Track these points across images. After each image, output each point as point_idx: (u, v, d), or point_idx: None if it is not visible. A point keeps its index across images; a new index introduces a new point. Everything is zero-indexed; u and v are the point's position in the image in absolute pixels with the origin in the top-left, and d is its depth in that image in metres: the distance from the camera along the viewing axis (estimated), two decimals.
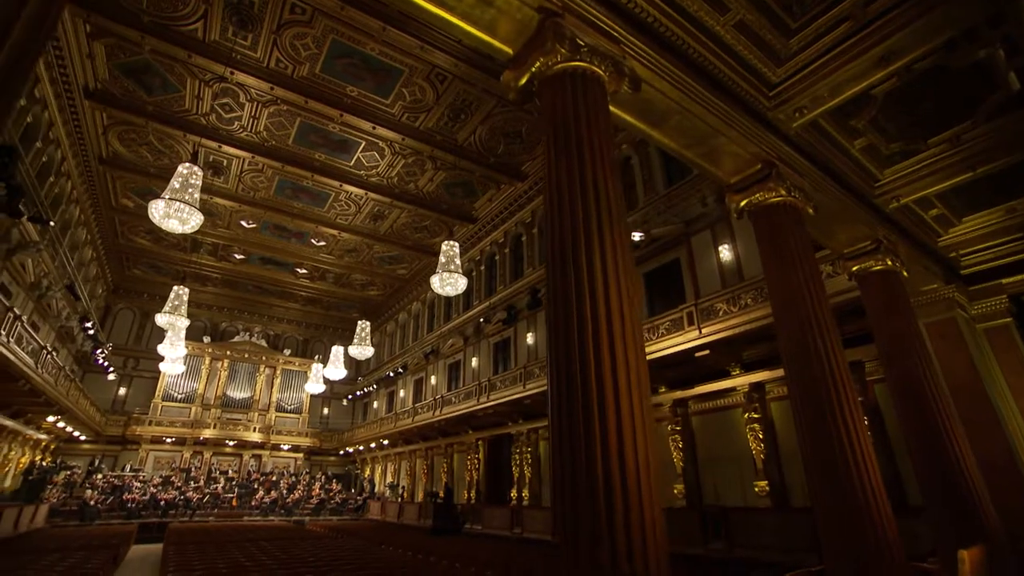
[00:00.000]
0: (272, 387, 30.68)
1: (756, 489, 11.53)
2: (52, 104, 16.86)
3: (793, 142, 5.23)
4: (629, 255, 2.49)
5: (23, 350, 13.55)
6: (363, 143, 20.45)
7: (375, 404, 32.44)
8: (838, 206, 5.56)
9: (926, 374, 5.36)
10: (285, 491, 24.93)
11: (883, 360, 5.86)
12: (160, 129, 19.16)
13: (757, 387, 12.18)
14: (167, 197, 12.35)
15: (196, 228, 12.94)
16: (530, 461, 18.46)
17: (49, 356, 15.44)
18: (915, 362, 5.44)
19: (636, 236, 14.35)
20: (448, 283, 16.44)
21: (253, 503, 23.88)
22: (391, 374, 28.90)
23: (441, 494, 20.55)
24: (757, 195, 5.07)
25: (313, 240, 27.15)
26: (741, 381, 12.40)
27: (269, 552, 12.02)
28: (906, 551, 5.99)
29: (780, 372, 11.63)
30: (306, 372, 29.73)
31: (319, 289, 32.56)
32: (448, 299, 28.53)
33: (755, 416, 11.98)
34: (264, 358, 31.01)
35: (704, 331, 11.66)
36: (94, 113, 18.52)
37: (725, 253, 13.69)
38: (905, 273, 6.45)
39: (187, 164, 12.93)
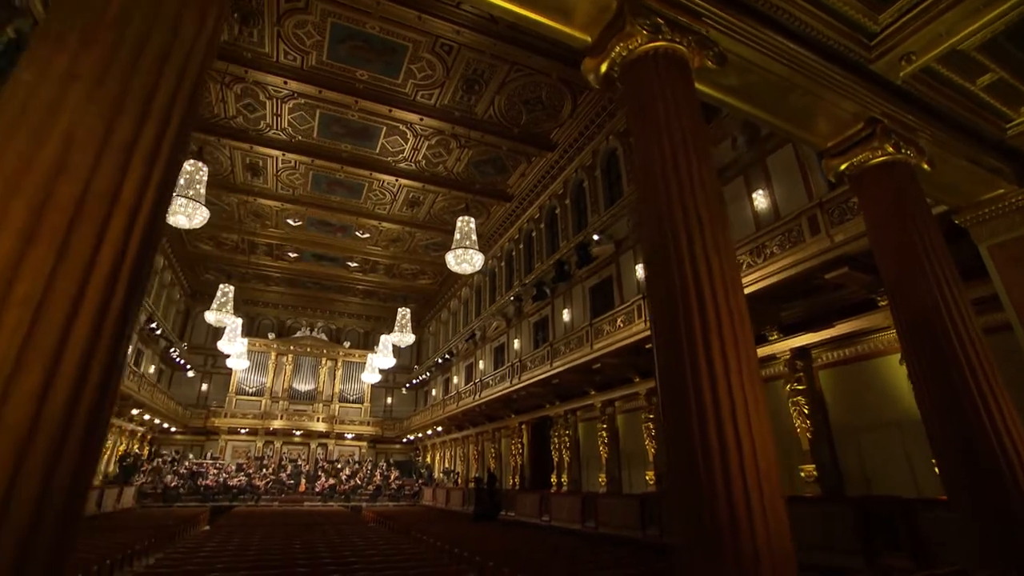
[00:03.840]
0: (335, 379, 32.13)
1: (802, 474, 9.69)
2: None
3: None
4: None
5: None
6: (383, 128, 20.24)
7: (433, 391, 32.83)
8: (790, 72, 3.78)
9: (949, 308, 3.55)
10: (345, 478, 25.97)
11: (888, 291, 4.10)
12: (197, 137, 20.13)
13: (800, 353, 10.22)
14: (174, 194, 12.75)
15: (203, 223, 13.30)
16: (568, 445, 17.40)
17: None
18: (931, 292, 3.66)
19: None
20: (463, 260, 15.79)
21: (316, 489, 25.13)
22: (440, 360, 29.01)
23: (485, 480, 20.11)
24: (617, 49, 3.47)
25: (357, 232, 27.71)
26: (781, 347, 10.48)
27: (285, 536, 12.19)
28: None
29: (827, 334, 9.72)
30: (365, 363, 30.67)
31: (373, 281, 33.43)
32: (493, 282, 27.99)
33: (799, 388, 10.07)
34: (325, 351, 32.52)
35: None
36: None
37: (760, 200, 11.71)
38: (925, 166, 4.51)
39: (192, 161, 13.30)
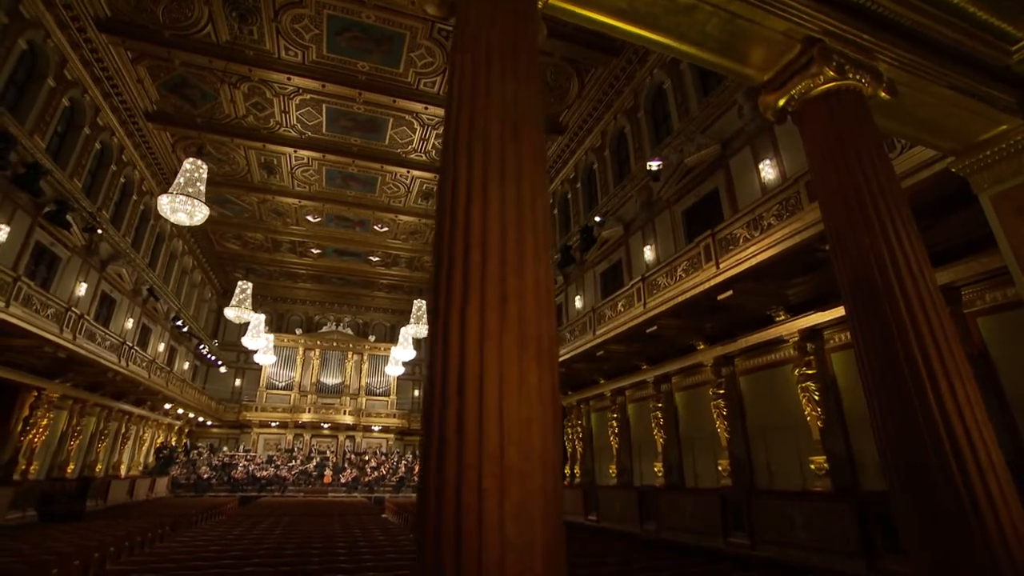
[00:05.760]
0: (361, 372, 32.65)
1: (812, 466, 8.86)
2: (119, 131, 18.94)
3: None
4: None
5: (100, 345, 15.40)
6: (390, 119, 20.14)
7: None
8: None
9: (897, 264, 2.93)
10: (370, 469, 26.36)
11: (831, 245, 3.35)
12: (212, 138, 20.66)
13: (811, 335, 9.34)
14: (174, 192, 13.01)
15: (203, 220, 13.50)
16: (581, 435, 16.88)
17: (133, 350, 17.49)
18: (877, 244, 2.99)
19: (654, 165, 11.93)
20: None
21: (341, 480, 25.65)
22: None
23: None
24: None
25: (376, 226, 27.87)
26: (788, 329, 9.61)
27: (288, 526, 12.36)
28: None
29: (838, 312, 8.85)
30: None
31: (396, 275, 33.69)
32: None
33: (809, 372, 9.20)
34: (351, 345, 33.08)
35: (723, 265, 9.18)
36: (159, 134, 20.55)
37: (767, 171, 10.80)
38: (883, 94, 3.77)
39: (191, 159, 13.52)
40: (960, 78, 4.10)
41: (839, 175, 3.29)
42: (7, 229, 13.86)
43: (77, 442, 18.06)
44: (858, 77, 3.54)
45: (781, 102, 3.85)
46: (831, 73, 3.46)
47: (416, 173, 23.45)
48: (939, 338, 2.72)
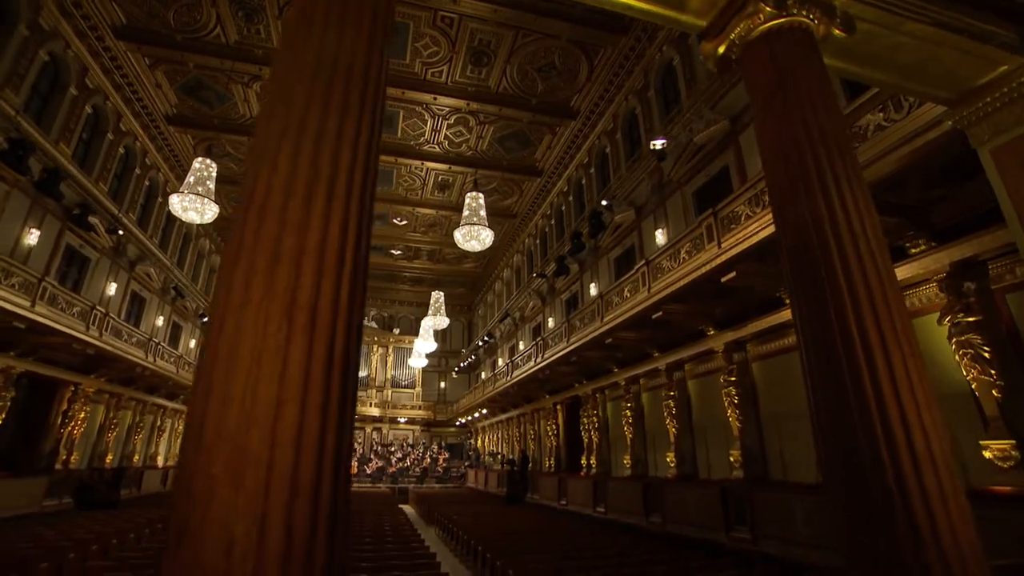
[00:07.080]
0: (386, 365, 33.16)
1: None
2: (142, 135, 19.61)
3: None
4: None
5: (127, 342, 16.06)
6: (400, 111, 20.13)
7: (482, 375, 32.92)
8: None
9: (836, 223, 2.54)
10: (395, 461, 26.80)
11: (772, 205, 2.92)
12: (231, 139, 21.17)
13: None
14: (184, 191, 13.34)
15: (213, 218, 13.77)
16: (597, 425, 16.56)
17: (160, 346, 18.19)
18: (816, 201, 2.61)
19: (658, 144, 11.42)
20: (473, 237, 15.33)
21: (367, 471, 26.19)
22: (481, 344, 28.90)
23: (518, 462, 19.79)
24: None
25: (394, 220, 28.08)
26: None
27: None
28: None
29: None
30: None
31: (418, 268, 33.97)
32: (530, 261, 27.42)
33: None
34: (376, 338, 33.59)
35: (724, 245, 8.68)
36: (180, 136, 21.20)
37: None
38: (838, 32, 3.25)
39: (201, 159, 13.81)
40: (945, 12, 3.57)
41: (779, 122, 2.90)
42: (38, 233, 14.57)
43: (114, 434, 18.97)
44: (805, 12, 3.11)
45: (721, 49, 3.46)
46: (769, 9, 3.04)
47: (430, 165, 23.41)
48: (879, 309, 2.33)
